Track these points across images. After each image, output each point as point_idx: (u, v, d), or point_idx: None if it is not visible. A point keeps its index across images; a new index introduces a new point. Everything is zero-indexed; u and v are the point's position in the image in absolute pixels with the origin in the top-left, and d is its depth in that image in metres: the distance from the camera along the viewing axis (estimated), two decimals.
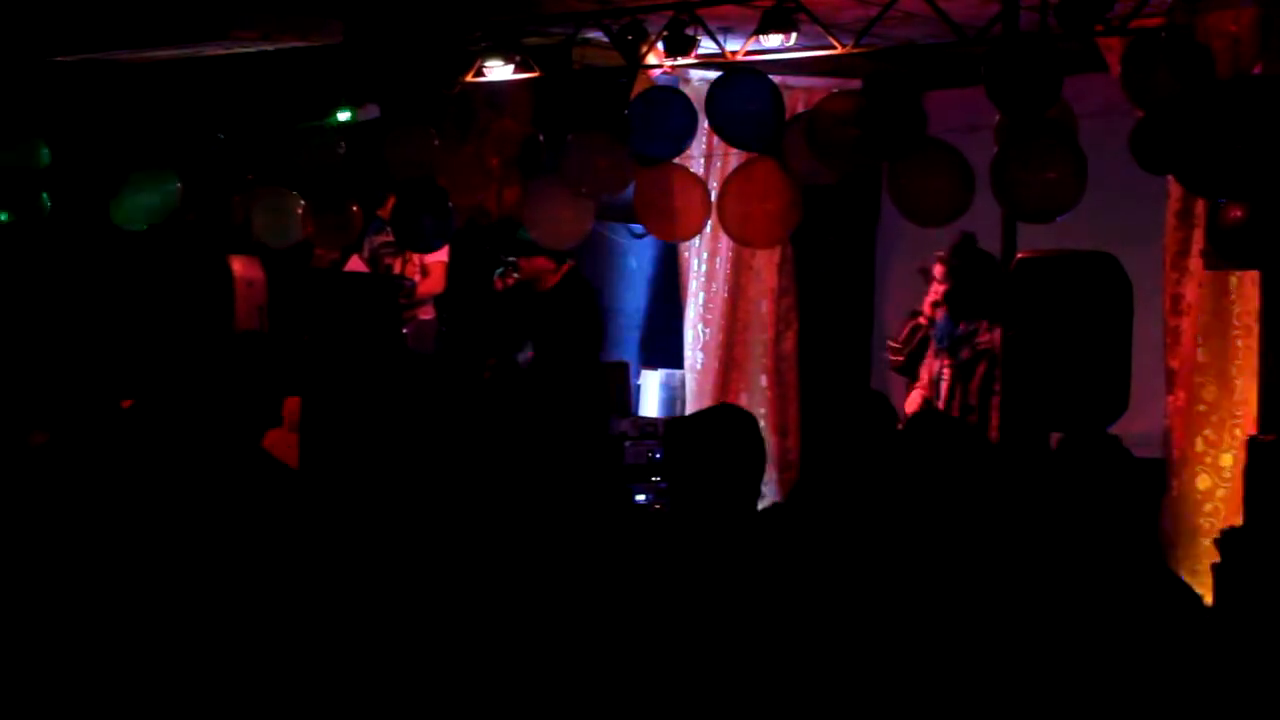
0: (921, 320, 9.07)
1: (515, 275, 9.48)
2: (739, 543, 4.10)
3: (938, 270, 8.89)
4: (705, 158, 9.84)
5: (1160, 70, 6.86)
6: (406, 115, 9.20)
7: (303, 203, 9.37)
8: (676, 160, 8.69)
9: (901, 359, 9.17)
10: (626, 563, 4.17)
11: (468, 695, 4.20)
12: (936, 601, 3.92)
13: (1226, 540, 6.55)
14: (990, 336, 8.62)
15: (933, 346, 8.96)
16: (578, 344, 9.41)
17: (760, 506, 4.34)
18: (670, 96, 8.64)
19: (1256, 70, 6.82)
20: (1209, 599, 6.30)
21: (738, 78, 8.31)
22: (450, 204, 8.98)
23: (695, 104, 8.56)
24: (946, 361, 8.85)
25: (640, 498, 9.45)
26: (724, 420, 4.30)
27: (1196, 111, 6.56)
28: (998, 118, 7.46)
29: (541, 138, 8.94)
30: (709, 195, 8.77)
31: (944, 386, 8.85)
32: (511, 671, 4.15)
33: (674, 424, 4.89)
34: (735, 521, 4.12)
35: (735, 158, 9.00)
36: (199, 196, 9.64)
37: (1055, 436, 7.01)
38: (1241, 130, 6.47)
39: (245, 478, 4.54)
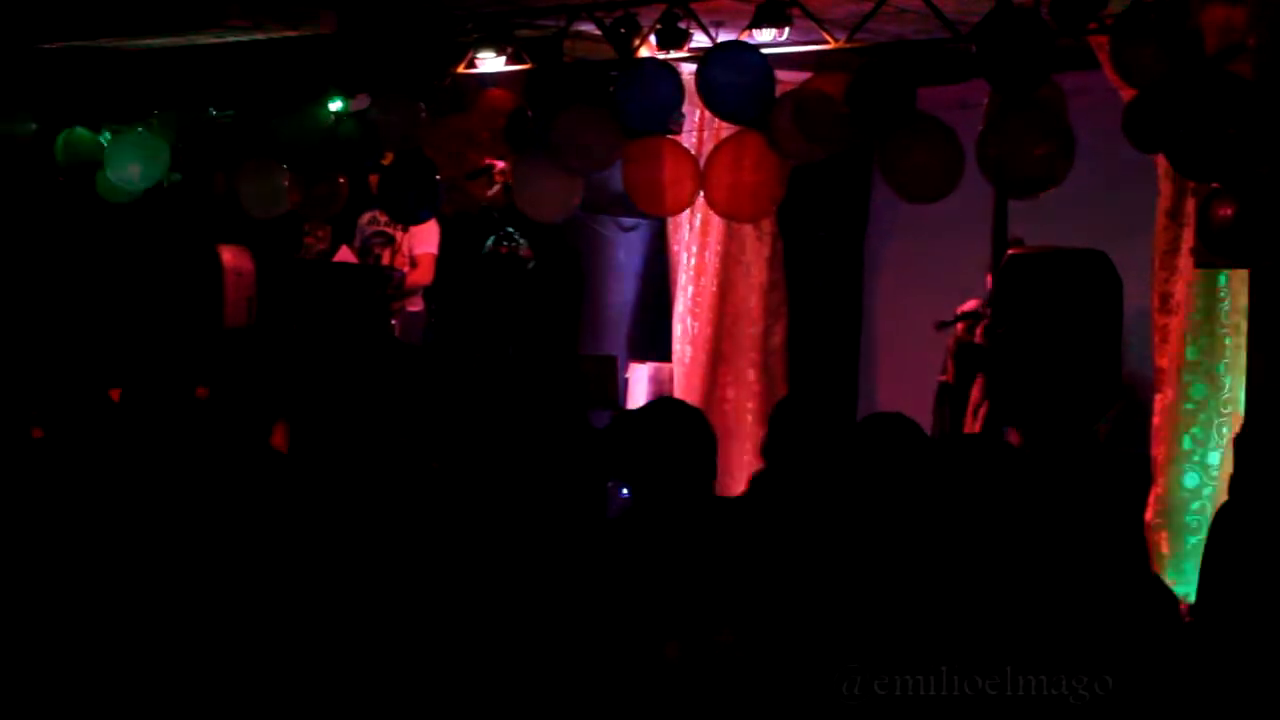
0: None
1: (507, 246, 9.42)
2: (696, 534, 4.18)
3: None
4: (697, 130, 9.80)
5: (1149, 48, 6.82)
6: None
7: (289, 174, 9.31)
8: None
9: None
10: (596, 557, 4.24)
11: (450, 687, 4.21)
12: (899, 591, 3.91)
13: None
14: None
15: None
16: (561, 325, 9.36)
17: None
18: (658, 69, 8.55)
19: (1250, 43, 6.77)
20: (1195, 595, 6.31)
21: (727, 49, 8.25)
22: (438, 176, 8.94)
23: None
24: None
25: (625, 491, 9.41)
26: (668, 415, 4.47)
27: (1188, 92, 6.49)
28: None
29: (530, 113, 8.88)
30: (698, 168, 8.72)
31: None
32: (487, 665, 4.16)
33: (620, 420, 4.96)
34: (691, 513, 4.18)
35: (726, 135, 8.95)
36: (187, 168, 9.61)
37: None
38: (1232, 112, 6.41)
39: (235, 467, 4.54)
